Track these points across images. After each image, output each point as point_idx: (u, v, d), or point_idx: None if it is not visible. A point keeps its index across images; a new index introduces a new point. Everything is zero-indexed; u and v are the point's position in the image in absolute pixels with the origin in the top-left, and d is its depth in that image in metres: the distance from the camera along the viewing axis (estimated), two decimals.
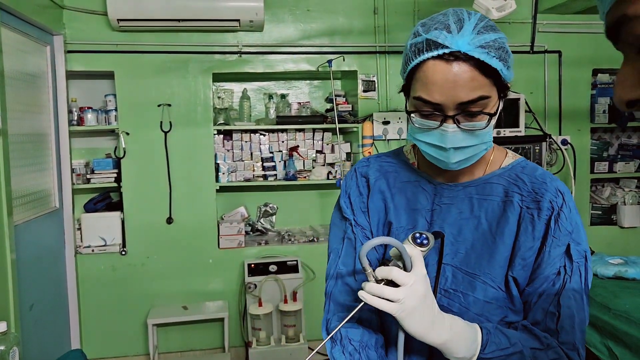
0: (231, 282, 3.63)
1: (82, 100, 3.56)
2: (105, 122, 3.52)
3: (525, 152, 3.55)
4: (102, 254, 3.47)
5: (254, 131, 3.80)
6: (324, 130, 3.86)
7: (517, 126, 3.53)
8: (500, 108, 0.97)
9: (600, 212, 4.10)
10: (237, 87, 3.92)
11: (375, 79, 3.73)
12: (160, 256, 3.56)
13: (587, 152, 3.97)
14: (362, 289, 0.86)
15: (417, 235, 0.90)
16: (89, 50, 3.39)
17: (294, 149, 3.83)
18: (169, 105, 3.50)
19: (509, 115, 3.53)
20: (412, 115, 0.97)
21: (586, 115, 3.95)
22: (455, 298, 0.99)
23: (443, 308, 0.95)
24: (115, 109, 3.49)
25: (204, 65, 3.53)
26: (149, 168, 3.51)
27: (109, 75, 3.50)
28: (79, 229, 3.47)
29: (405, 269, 0.87)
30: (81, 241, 3.47)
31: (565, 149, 3.71)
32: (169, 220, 3.56)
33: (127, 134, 3.47)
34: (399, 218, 1.08)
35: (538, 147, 3.57)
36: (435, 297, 0.92)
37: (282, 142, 3.84)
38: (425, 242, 0.89)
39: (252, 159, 3.77)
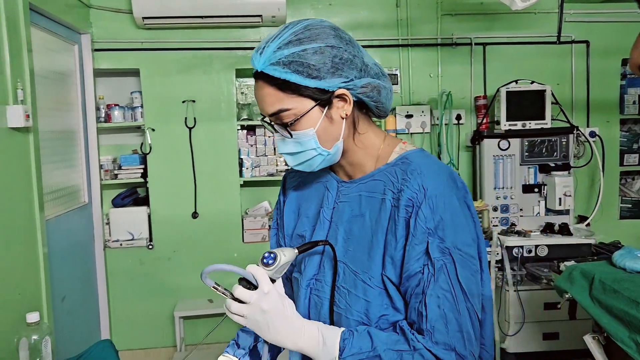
0: None
1: (109, 97, 3.63)
2: (132, 118, 3.58)
3: (552, 144, 3.49)
4: (129, 248, 3.55)
5: None
6: None
7: (543, 118, 3.48)
8: (329, 114, 1.01)
9: (630, 206, 4.01)
10: None
11: (397, 72, 3.71)
12: (186, 250, 3.62)
13: (616, 144, 3.89)
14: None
15: (265, 255, 0.98)
16: (115, 49, 3.46)
17: None
18: (193, 101, 3.55)
19: (534, 107, 3.48)
20: (266, 122, 1.07)
21: (615, 106, 3.86)
22: (343, 295, 1.03)
23: (335, 304, 1.04)
24: (141, 106, 3.55)
25: (227, 61, 3.57)
26: (174, 163, 3.57)
27: (135, 73, 3.57)
28: (108, 223, 3.55)
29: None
30: (109, 235, 3.55)
31: (594, 141, 3.64)
32: (194, 215, 3.61)
33: (153, 130, 3.53)
34: (308, 218, 1.16)
35: (565, 140, 3.51)
36: (333, 297, 1.03)
37: None
38: (271, 261, 0.97)
39: (275, 154, 3.79)
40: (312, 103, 0.99)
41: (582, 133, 3.60)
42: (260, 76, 0.98)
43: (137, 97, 3.58)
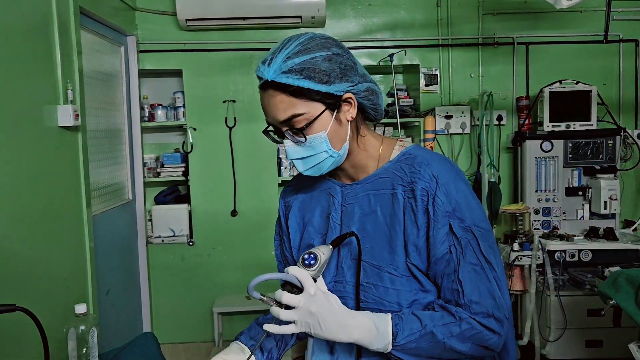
0: None
1: (152, 97, 3.73)
2: (174, 118, 3.67)
3: (597, 146, 3.39)
4: (171, 245, 3.64)
5: None
6: (385, 125, 3.84)
7: (589, 119, 3.38)
8: (338, 117, 1.07)
9: None
10: None
11: (437, 72, 3.67)
12: (225, 247, 3.68)
13: None
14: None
15: (306, 256, 1.01)
16: (159, 50, 3.55)
17: None
18: (234, 101, 3.61)
19: (579, 108, 3.38)
20: (269, 133, 1.14)
21: None
22: (369, 290, 1.09)
23: (362, 301, 1.09)
24: (183, 106, 3.64)
25: None
26: (215, 162, 3.64)
27: (178, 73, 3.65)
28: (150, 220, 3.65)
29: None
30: (152, 232, 3.65)
31: None
32: (234, 213, 3.67)
33: (194, 129, 3.61)
34: (315, 227, 1.21)
35: (611, 142, 3.40)
36: (358, 293, 1.08)
37: None
38: (312, 262, 1.00)
39: None
40: (323, 107, 1.05)
41: (629, 135, 3.48)
42: (271, 85, 1.04)
43: (179, 97, 3.67)
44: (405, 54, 3.55)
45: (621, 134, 3.42)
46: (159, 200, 3.73)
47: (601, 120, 3.50)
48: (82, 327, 1.44)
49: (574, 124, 3.38)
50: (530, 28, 3.66)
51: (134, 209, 3.50)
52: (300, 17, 3.37)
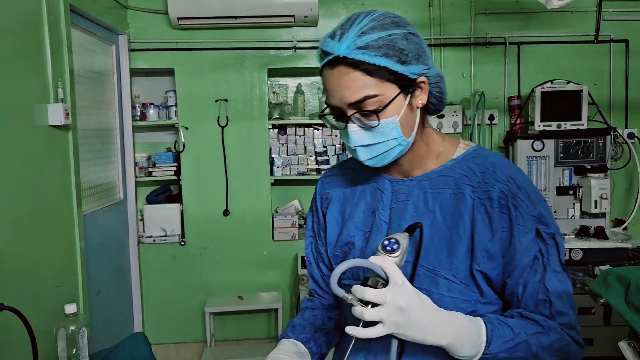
0: (285, 273, 3.70)
1: (144, 96, 3.72)
2: (166, 117, 3.66)
3: (588, 146, 3.41)
4: (162, 244, 3.62)
5: (308, 125, 3.83)
6: None
7: (579, 119, 3.40)
8: (410, 102, 0.98)
9: None
10: (291, 82, 3.97)
11: None
12: (217, 247, 3.67)
13: None
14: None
15: (386, 242, 0.88)
16: (151, 49, 3.53)
17: None
18: (226, 100, 3.60)
19: (570, 107, 3.40)
20: (326, 117, 1.04)
21: None
22: None
23: None
24: (175, 105, 3.62)
25: (259, 61, 3.60)
26: (207, 162, 3.63)
27: (170, 72, 3.64)
28: (142, 219, 3.64)
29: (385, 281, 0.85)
30: (143, 231, 3.64)
31: (632, 143, 3.53)
32: (226, 213, 3.66)
33: (187, 128, 3.59)
34: (357, 224, 1.11)
35: (602, 141, 3.42)
36: None
37: (336, 136, 3.86)
38: (395, 247, 0.87)
39: (306, 153, 3.81)
40: (397, 90, 0.96)
41: (620, 134, 3.50)
42: (342, 62, 0.94)
43: (171, 96, 3.66)
44: None
45: (611, 133, 3.44)
46: (151, 199, 3.71)
47: (592, 119, 3.52)
48: (72, 328, 1.44)
49: (565, 124, 3.40)
50: (522, 28, 3.68)
51: (125, 208, 3.49)
52: (292, 16, 3.37)
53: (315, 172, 3.77)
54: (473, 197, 0.99)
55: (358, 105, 0.95)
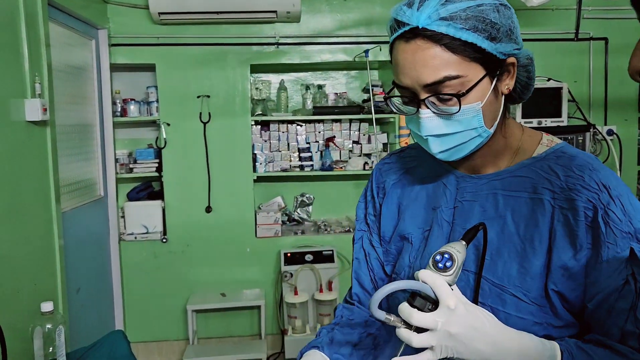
0: (268, 270, 3.68)
1: (125, 92, 3.67)
2: (147, 113, 3.62)
3: (568, 142, 3.45)
4: (144, 242, 3.59)
5: (291, 122, 3.83)
6: (361, 120, 3.86)
7: (560, 116, 3.43)
8: (496, 86, 0.85)
9: None
10: (274, 78, 3.95)
11: None
12: (199, 244, 3.65)
13: (634, 142, 3.83)
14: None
15: (438, 257, 0.76)
16: (132, 44, 3.49)
17: (331, 139, 3.85)
18: (208, 96, 3.57)
19: (550, 105, 3.44)
20: (392, 100, 0.90)
21: (634, 104, 3.80)
22: None
23: None
24: (157, 101, 3.59)
25: (242, 57, 3.58)
26: (189, 158, 3.60)
27: (151, 68, 3.60)
28: (123, 216, 3.60)
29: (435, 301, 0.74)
30: (124, 228, 3.60)
31: (611, 140, 3.58)
32: (208, 210, 3.64)
33: (168, 124, 3.56)
34: (416, 220, 0.99)
35: (581, 138, 3.47)
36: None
37: (319, 132, 3.86)
38: (448, 264, 0.75)
39: (289, 150, 3.80)
40: (483, 71, 0.82)
41: (599, 131, 3.55)
42: (421, 34, 0.79)
43: (152, 92, 3.62)
44: (381, 50, 3.56)
45: (591, 130, 3.49)
46: (132, 196, 3.67)
47: (572, 117, 3.56)
48: (49, 326, 1.42)
49: (546, 120, 3.44)
50: None
51: (105, 205, 3.45)
52: (275, 12, 3.35)
53: (298, 169, 3.76)
54: (553, 205, 0.85)
55: (435, 87, 0.81)
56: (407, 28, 0.81)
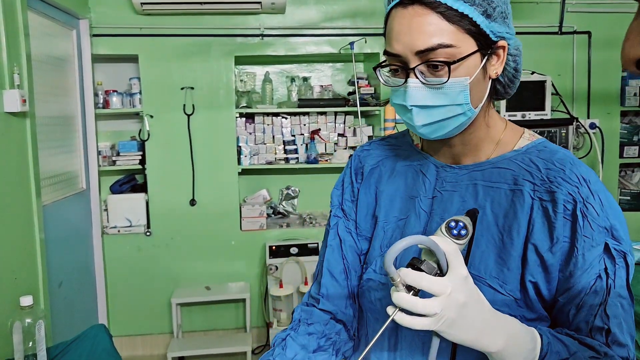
0: (253, 263, 3.67)
1: (107, 83, 3.62)
2: (130, 105, 3.57)
3: (551, 135, 3.48)
4: (127, 235, 3.55)
5: (276, 114, 3.81)
6: (346, 113, 3.85)
7: (543, 109, 3.46)
8: (485, 66, 0.85)
9: (629, 198, 4.00)
10: (259, 70, 3.92)
11: None
12: (183, 237, 3.62)
13: (616, 136, 3.88)
14: (391, 300, 0.71)
15: (452, 224, 0.73)
16: (114, 34, 3.43)
17: (316, 132, 3.83)
18: (192, 88, 3.53)
19: (534, 98, 3.46)
20: (380, 71, 0.88)
21: (616, 98, 3.84)
22: None
23: None
24: (140, 92, 3.54)
25: (226, 48, 3.54)
26: (173, 150, 3.56)
27: (134, 59, 3.55)
28: (106, 210, 3.55)
29: (440, 268, 0.71)
30: (107, 222, 3.55)
31: (594, 133, 3.62)
32: (192, 202, 3.61)
33: (151, 116, 3.52)
34: (392, 208, 0.97)
35: (565, 131, 3.50)
36: None
37: (304, 125, 3.85)
38: (463, 232, 0.72)
39: (274, 142, 3.78)
40: (475, 47, 0.82)
41: (582, 124, 3.59)
42: (418, 1, 0.80)
43: (135, 83, 3.57)
44: (366, 42, 3.54)
45: (574, 123, 3.52)
46: (115, 189, 3.63)
47: (555, 110, 3.59)
48: (28, 320, 1.39)
49: (530, 114, 3.46)
50: None
51: (88, 198, 3.40)
52: (260, 2, 3.32)
53: (283, 162, 3.74)
54: (533, 197, 0.85)
55: (427, 54, 0.80)
56: None
